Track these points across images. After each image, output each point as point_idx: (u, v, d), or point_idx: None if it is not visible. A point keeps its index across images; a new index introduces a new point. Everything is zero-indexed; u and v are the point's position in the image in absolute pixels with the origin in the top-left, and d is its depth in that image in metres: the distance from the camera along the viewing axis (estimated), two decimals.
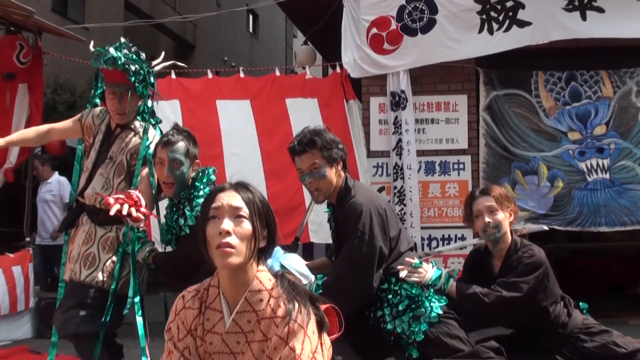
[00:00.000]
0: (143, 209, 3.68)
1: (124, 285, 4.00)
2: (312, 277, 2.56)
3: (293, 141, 3.75)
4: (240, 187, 2.33)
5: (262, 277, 2.30)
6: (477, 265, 4.06)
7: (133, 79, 4.04)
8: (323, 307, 2.38)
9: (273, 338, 2.20)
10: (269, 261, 2.40)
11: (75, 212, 4.30)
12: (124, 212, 3.56)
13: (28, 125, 7.38)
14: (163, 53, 4.58)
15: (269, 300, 2.25)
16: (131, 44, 4.13)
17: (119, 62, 4.00)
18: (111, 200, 3.63)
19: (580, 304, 3.98)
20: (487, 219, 3.81)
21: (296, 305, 2.23)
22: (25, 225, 7.84)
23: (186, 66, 5.04)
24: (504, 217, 3.82)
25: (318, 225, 7.32)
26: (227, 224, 2.23)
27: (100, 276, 3.98)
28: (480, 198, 3.89)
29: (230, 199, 2.27)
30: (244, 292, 2.27)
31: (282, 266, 2.42)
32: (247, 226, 2.25)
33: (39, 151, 8.75)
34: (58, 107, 13.28)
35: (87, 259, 4.02)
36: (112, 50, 4.02)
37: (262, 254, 2.35)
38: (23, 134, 4.65)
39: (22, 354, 6.49)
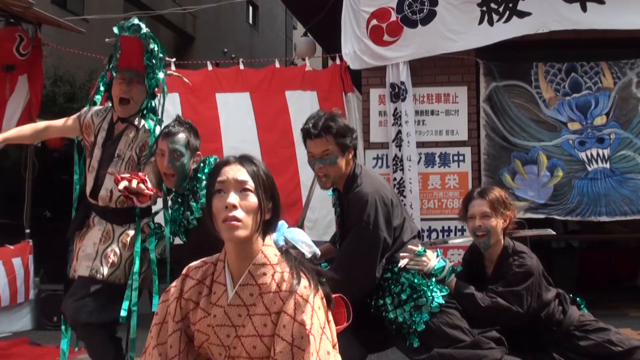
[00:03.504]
0: (150, 187, 3.67)
1: (142, 281, 4.04)
2: (317, 250, 2.57)
3: (307, 123, 3.69)
4: (245, 160, 2.35)
5: (268, 251, 2.33)
6: (474, 260, 4.05)
7: (147, 62, 4.05)
8: (333, 296, 2.39)
9: (282, 316, 2.21)
10: (274, 235, 2.41)
11: (82, 214, 4.27)
12: (133, 185, 3.55)
13: (26, 115, 7.38)
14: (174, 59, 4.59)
15: (273, 275, 2.27)
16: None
17: (142, 31, 4.01)
18: (119, 177, 3.63)
19: (578, 299, 3.95)
20: (478, 223, 3.81)
21: (302, 280, 2.25)
22: (25, 218, 7.84)
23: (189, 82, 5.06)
24: (496, 223, 3.79)
25: (314, 222, 7.32)
26: (233, 197, 2.25)
27: (121, 273, 4.00)
28: (476, 200, 3.86)
29: (236, 172, 2.29)
30: (249, 265, 2.30)
31: (286, 239, 2.42)
32: (252, 199, 2.28)
33: (38, 143, 8.73)
34: (57, 99, 13.26)
35: (108, 257, 4.01)
36: (137, 20, 4.05)
37: (267, 226, 2.36)
38: (20, 131, 4.61)
39: (22, 345, 6.50)
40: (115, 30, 4.09)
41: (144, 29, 4.03)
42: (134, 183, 3.56)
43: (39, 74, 7.88)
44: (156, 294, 3.92)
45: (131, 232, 4.07)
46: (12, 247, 7.46)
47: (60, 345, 4.19)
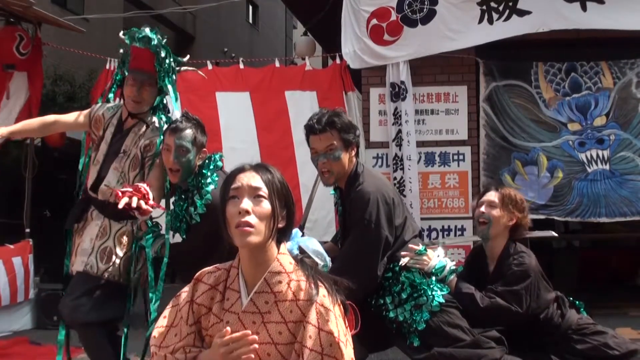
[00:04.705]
0: (151, 202, 3.69)
1: (138, 279, 4.05)
2: (328, 261, 2.59)
3: (311, 120, 3.74)
4: (260, 168, 2.37)
5: (283, 260, 2.34)
6: (476, 262, 4.07)
7: (159, 67, 4.06)
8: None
9: (306, 326, 2.22)
10: (289, 244, 2.44)
11: (82, 206, 4.28)
12: (133, 204, 3.57)
13: (25, 115, 7.38)
14: (188, 56, 4.59)
15: (289, 283, 2.29)
16: (163, 37, 4.15)
17: (152, 43, 4.03)
18: (119, 193, 3.64)
19: (577, 302, 3.96)
20: (483, 210, 3.83)
21: (321, 289, 2.27)
22: (25, 217, 7.84)
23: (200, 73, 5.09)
24: (500, 215, 3.82)
25: (314, 223, 7.30)
26: (246, 203, 2.26)
27: (116, 271, 4.00)
28: (490, 192, 3.95)
29: (250, 179, 2.31)
30: (263, 273, 2.31)
31: (300, 248, 2.44)
32: (266, 206, 2.29)
33: (38, 142, 8.74)
34: (57, 99, 13.25)
35: (103, 253, 4.02)
36: (147, 30, 4.05)
37: (281, 234, 2.38)
38: (27, 124, 4.62)
39: (23, 345, 6.51)
40: (127, 39, 4.11)
41: (155, 39, 4.04)
42: (134, 202, 3.59)
43: (39, 73, 7.89)
44: (153, 294, 3.92)
45: (127, 229, 4.09)
46: (12, 246, 7.47)
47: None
